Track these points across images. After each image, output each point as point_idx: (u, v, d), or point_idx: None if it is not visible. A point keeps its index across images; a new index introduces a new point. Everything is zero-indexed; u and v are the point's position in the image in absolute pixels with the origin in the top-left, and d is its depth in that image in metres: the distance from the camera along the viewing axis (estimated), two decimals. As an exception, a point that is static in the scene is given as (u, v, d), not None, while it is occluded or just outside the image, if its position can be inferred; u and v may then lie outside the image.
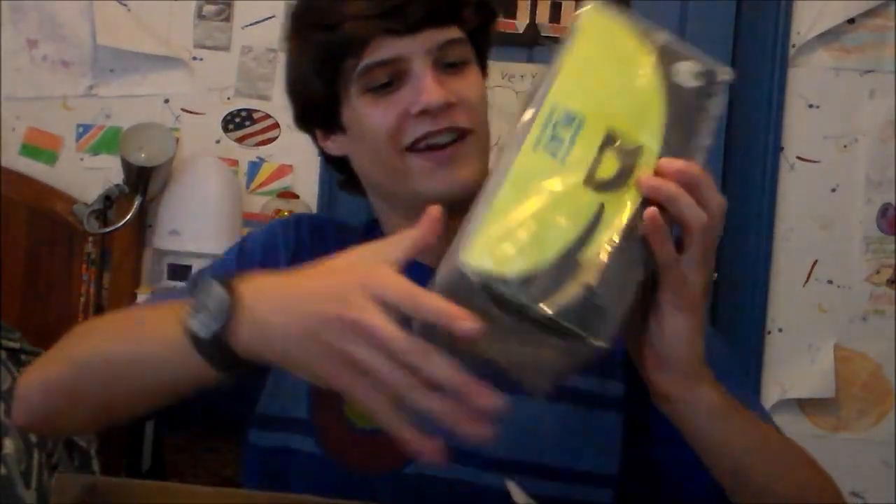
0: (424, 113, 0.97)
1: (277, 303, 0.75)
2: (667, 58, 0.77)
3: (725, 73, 0.77)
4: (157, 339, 0.82)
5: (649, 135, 0.75)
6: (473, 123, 0.99)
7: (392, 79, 0.98)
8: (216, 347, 0.77)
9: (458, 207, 0.80)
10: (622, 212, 0.73)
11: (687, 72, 0.76)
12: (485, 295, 0.69)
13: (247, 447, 1.05)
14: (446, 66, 0.99)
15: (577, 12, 0.80)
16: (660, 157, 0.74)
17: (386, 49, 0.97)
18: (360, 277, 0.71)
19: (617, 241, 0.72)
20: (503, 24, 2.54)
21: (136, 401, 0.87)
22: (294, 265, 0.94)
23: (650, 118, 0.75)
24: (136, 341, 0.86)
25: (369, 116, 0.99)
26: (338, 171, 1.11)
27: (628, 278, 0.73)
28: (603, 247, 0.72)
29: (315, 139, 1.09)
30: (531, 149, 0.74)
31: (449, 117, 0.97)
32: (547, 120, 0.75)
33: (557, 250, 0.71)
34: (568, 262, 0.71)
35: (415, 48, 0.97)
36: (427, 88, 0.96)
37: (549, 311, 0.69)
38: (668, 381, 0.82)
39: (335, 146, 1.07)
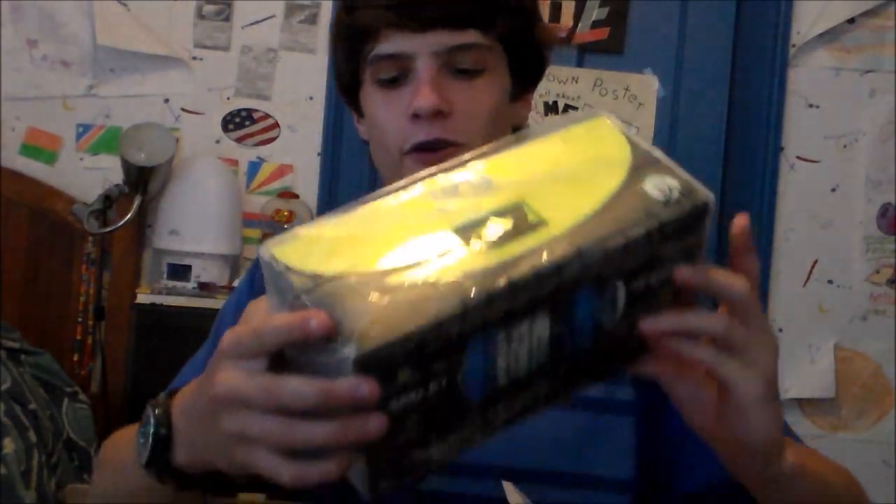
0: (417, 117, 0.94)
1: (186, 412, 0.70)
2: (646, 168, 0.68)
3: (703, 196, 0.67)
4: (128, 468, 0.78)
5: (562, 215, 0.64)
6: (467, 137, 0.95)
7: (399, 74, 0.96)
8: (163, 471, 0.72)
9: None
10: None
11: (657, 183, 0.67)
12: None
13: None
14: (458, 71, 0.95)
15: (591, 114, 0.72)
16: (561, 239, 0.63)
17: (393, 43, 0.95)
18: (219, 348, 0.64)
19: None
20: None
21: None
22: None
23: (576, 205, 0.65)
24: (113, 472, 0.85)
25: (377, 111, 0.98)
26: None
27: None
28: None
29: (354, 118, 1.08)
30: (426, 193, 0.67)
31: (441, 127, 0.94)
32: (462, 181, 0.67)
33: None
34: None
35: (421, 47, 0.94)
36: (421, 92, 0.93)
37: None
38: (751, 476, 0.76)
39: (362, 129, 1.05)
